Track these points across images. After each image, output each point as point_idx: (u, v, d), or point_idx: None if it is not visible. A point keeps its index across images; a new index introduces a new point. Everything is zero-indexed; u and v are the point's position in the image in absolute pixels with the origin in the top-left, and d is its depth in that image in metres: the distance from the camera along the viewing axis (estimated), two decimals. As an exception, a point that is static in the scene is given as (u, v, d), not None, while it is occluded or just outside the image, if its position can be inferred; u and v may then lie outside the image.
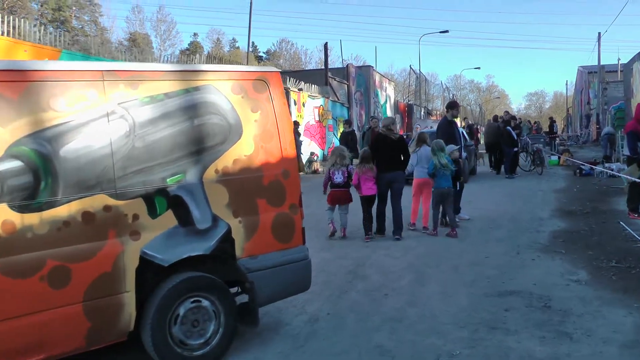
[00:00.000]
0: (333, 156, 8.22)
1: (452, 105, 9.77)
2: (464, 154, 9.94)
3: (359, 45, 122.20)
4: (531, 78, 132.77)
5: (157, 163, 3.78)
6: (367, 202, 8.04)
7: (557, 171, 17.66)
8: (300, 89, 20.88)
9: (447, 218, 8.39)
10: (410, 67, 43.39)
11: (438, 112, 47.72)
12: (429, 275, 6.17)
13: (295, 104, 20.25)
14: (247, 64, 17.45)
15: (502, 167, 16.76)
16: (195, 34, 65.59)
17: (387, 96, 35.54)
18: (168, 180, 3.83)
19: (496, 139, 16.71)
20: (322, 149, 22.44)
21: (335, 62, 45.25)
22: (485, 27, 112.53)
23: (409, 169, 8.38)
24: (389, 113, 34.87)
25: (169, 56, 14.95)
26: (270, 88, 4.40)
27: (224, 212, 4.06)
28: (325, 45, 25.94)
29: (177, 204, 3.85)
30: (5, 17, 10.32)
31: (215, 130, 4.05)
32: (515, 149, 16.28)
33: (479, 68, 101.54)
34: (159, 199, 3.77)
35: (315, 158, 20.56)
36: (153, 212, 3.74)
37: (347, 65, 28.39)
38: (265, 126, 4.31)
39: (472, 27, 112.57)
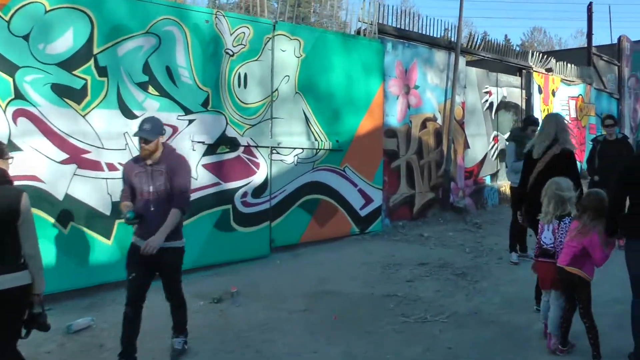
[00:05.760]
0: (547, 199, 4.70)
1: None
2: None
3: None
4: None
5: None
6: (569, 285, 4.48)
7: None
8: (549, 70, 14.75)
9: None
10: None
11: None
12: None
13: (540, 91, 14.33)
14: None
15: None
16: (446, 29, 60.50)
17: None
18: None
19: None
20: (579, 162, 15.85)
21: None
22: None
23: None
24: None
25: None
26: None
27: None
28: (589, 6, 18.53)
29: None
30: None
31: None
32: None
33: None
34: None
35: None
36: None
37: (619, 39, 20.50)
38: None
39: None
